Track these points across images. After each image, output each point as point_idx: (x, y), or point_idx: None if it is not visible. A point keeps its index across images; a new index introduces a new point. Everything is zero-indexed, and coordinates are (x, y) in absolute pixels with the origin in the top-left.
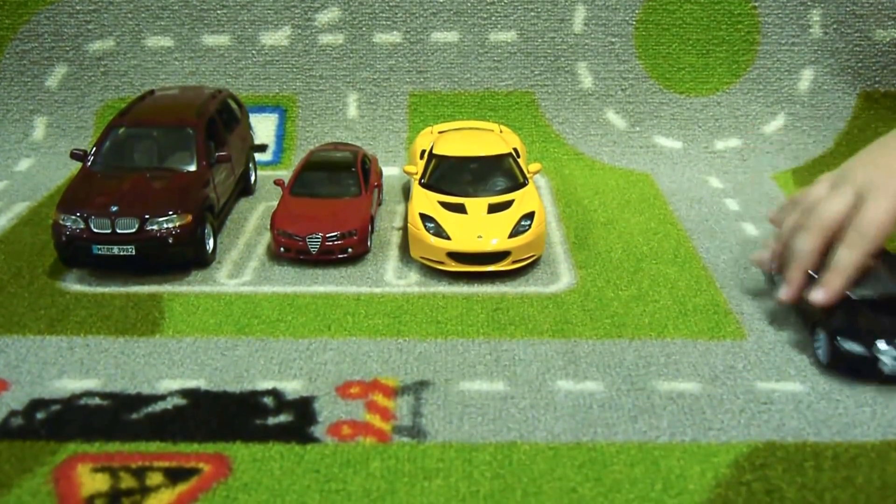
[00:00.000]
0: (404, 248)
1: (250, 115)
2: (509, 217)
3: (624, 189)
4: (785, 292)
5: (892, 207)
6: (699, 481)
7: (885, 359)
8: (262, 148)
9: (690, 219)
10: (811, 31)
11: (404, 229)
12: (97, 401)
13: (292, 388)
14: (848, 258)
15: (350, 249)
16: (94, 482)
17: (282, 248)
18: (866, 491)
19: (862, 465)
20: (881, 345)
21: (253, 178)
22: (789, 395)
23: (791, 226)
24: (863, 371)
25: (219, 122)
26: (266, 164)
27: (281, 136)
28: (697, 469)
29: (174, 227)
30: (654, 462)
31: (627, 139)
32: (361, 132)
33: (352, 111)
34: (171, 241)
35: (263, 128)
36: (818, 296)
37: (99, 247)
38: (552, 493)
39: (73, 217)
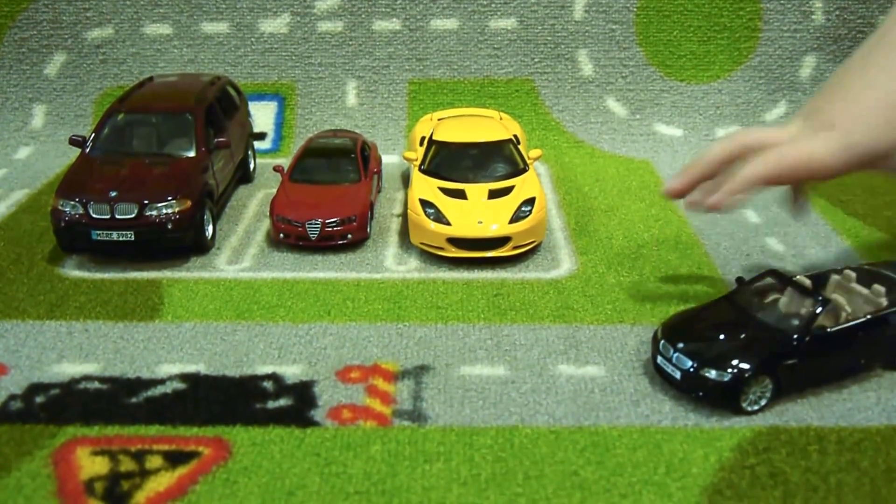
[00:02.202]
0: (404, 234)
1: (249, 102)
2: (510, 203)
3: (624, 176)
4: (668, 183)
5: (825, 152)
6: (702, 465)
7: (668, 367)
8: (261, 136)
9: None
10: (813, 17)
11: (404, 215)
12: (96, 385)
13: (292, 372)
14: (753, 170)
15: (350, 235)
16: (93, 465)
17: (281, 235)
18: (871, 474)
19: (867, 449)
20: (672, 352)
21: (252, 166)
22: None
23: (722, 152)
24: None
25: (218, 108)
26: (265, 152)
27: (280, 123)
28: (701, 453)
29: (173, 213)
30: (656, 446)
31: (628, 127)
32: (360, 120)
33: (351, 99)
34: (170, 226)
35: (262, 116)
36: (711, 198)
37: (98, 232)
38: (554, 477)
39: (72, 202)
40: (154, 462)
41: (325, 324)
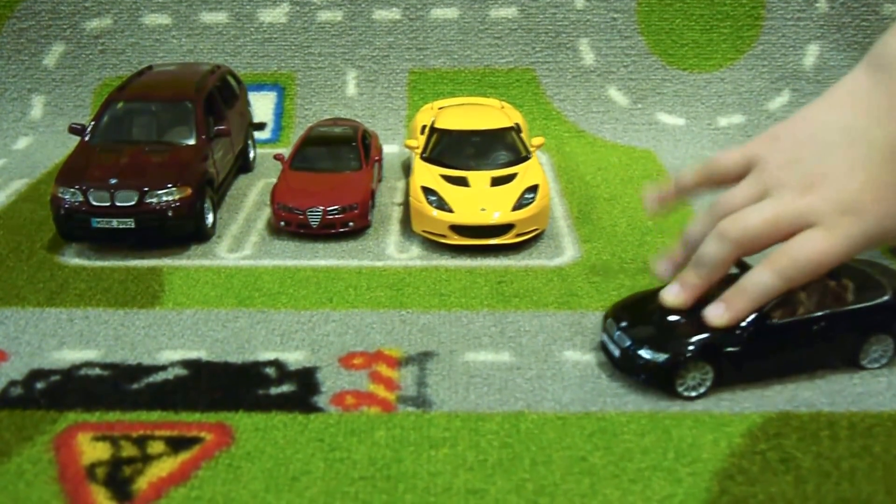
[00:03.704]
0: (406, 222)
1: (248, 93)
2: (513, 190)
3: (626, 166)
4: (677, 295)
5: (838, 247)
6: (713, 450)
7: (610, 344)
8: (261, 126)
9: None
10: (817, 5)
11: (405, 204)
12: (97, 371)
13: (294, 358)
14: (767, 282)
15: (351, 223)
16: (94, 451)
17: (282, 222)
18: (884, 460)
19: (879, 435)
20: (615, 332)
21: (252, 156)
22: None
23: (703, 229)
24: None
25: (217, 97)
26: (265, 142)
27: (279, 114)
28: (710, 438)
29: (173, 200)
30: (665, 431)
31: (629, 116)
32: (360, 110)
33: (351, 89)
34: (170, 214)
35: (262, 106)
36: (716, 313)
37: (98, 220)
38: (562, 462)
39: (72, 190)
40: (156, 448)
41: (328, 311)
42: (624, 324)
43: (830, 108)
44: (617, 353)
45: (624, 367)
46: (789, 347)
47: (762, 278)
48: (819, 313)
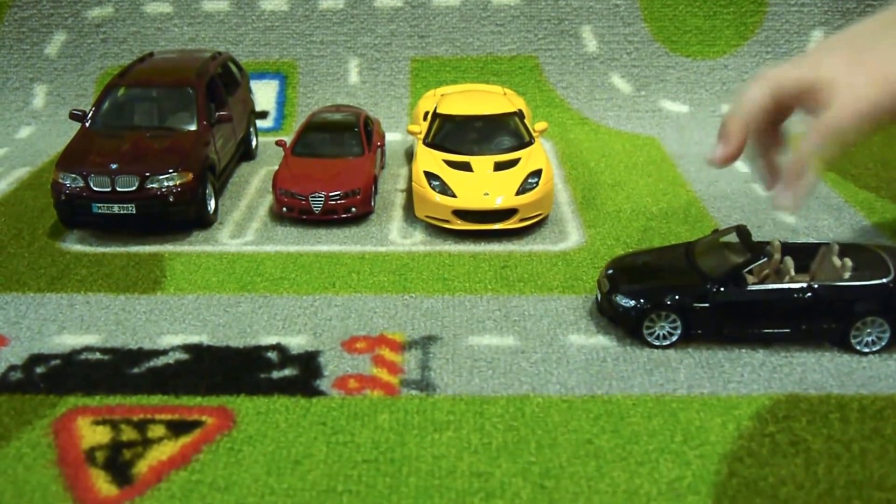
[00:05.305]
0: (409, 208)
1: (251, 81)
2: (516, 175)
3: (630, 152)
4: (719, 149)
5: (864, 105)
6: (721, 433)
7: (598, 290)
8: (263, 115)
9: (700, 180)
10: None
11: (408, 190)
12: (98, 356)
13: (297, 343)
14: (819, 146)
15: (354, 209)
16: (94, 434)
17: (284, 208)
18: None
19: (890, 417)
20: (603, 277)
21: (254, 143)
22: (809, 349)
23: None
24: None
25: (219, 83)
26: (267, 131)
27: (282, 102)
28: (718, 421)
29: (175, 186)
30: (672, 414)
31: (633, 103)
32: (363, 98)
33: (353, 77)
34: (171, 199)
35: (264, 94)
36: (786, 193)
37: (99, 205)
38: (568, 445)
39: (73, 175)
40: (157, 431)
41: (330, 295)
42: (611, 271)
43: (882, 14)
44: (599, 297)
45: (603, 310)
46: (767, 313)
47: (813, 146)
48: (802, 284)
